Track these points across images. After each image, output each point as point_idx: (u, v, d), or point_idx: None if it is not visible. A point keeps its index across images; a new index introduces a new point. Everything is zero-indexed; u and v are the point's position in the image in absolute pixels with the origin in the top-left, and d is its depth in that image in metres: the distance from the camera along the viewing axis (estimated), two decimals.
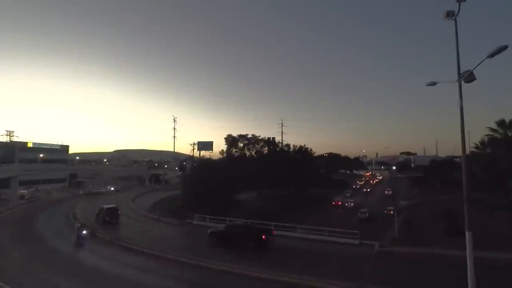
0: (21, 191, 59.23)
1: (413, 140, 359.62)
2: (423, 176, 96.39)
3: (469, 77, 10.53)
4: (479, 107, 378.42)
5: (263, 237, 20.42)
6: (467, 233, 10.80)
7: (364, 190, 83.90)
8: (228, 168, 48.54)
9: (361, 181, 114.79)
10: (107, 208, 32.35)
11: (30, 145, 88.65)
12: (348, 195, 69.46)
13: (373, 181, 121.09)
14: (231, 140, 67.80)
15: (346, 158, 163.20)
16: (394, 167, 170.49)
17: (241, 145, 68.10)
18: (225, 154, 68.11)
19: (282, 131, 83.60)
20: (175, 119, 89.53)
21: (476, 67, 10.29)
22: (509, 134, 31.32)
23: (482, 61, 9.86)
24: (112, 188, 73.58)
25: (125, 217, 36.04)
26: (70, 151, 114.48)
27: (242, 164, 57.72)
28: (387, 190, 76.30)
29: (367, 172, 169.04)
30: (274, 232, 22.53)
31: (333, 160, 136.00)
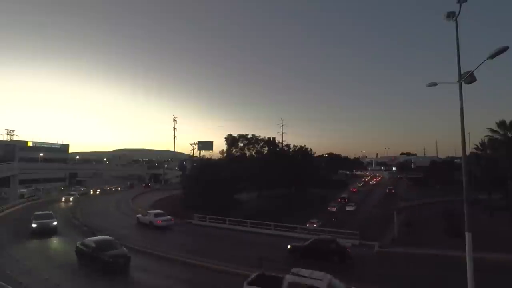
0: (21, 190, 59.27)
1: (413, 140, 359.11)
2: (423, 177, 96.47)
3: (470, 78, 10.52)
4: (480, 108, 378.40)
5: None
6: (466, 234, 10.79)
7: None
8: (228, 168, 48.55)
9: (362, 182, 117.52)
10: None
11: (30, 144, 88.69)
12: (360, 184, 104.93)
13: (373, 180, 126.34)
14: (231, 140, 67.84)
15: (346, 159, 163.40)
16: (394, 168, 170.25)
17: (241, 145, 68.17)
18: (225, 154, 68.17)
19: (282, 131, 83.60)
20: (175, 119, 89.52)
21: (476, 68, 10.27)
22: (509, 135, 31.31)
23: (483, 62, 9.84)
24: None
25: (125, 217, 36.08)
26: (70, 150, 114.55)
27: (242, 164, 57.74)
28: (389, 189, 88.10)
29: (367, 173, 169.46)
30: None
31: (333, 160, 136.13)
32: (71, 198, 50.96)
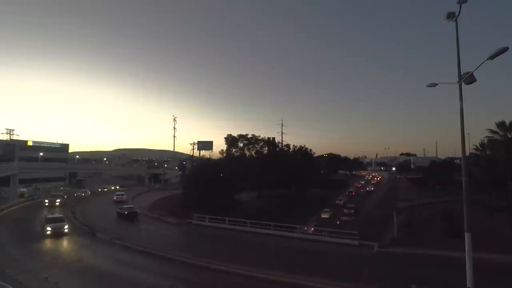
0: (21, 189, 59.22)
1: (413, 141, 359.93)
2: (422, 177, 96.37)
3: (470, 78, 10.53)
4: (479, 109, 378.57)
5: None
6: (466, 235, 10.80)
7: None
8: (228, 168, 48.52)
9: (365, 180, 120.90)
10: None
11: (30, 143, 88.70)
12: (363, 182, 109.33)
13: (375, 179, 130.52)
14: (231, 140, 67.73)
15: (346, 159, 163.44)
16: (393, 168, 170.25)
17: (241, 145, 68.03)
18: (225, 154, 68.06)
19: (282, 131, 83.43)
20: (175, 119, 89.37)
21: (476, 68, 10.29)
22: (509, 136, 31.27)
23: (483, 62, 9.86)
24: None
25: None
26: (70, 150, 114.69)
27: (242, 164, 57.67)
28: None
29: (365, 173, 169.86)
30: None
31: (333, 160, 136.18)
32: (66, 228, 24.64)
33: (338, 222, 48.23)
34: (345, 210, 50.19)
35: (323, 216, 48.46)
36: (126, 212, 33.40)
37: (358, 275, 15.43)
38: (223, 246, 22.54)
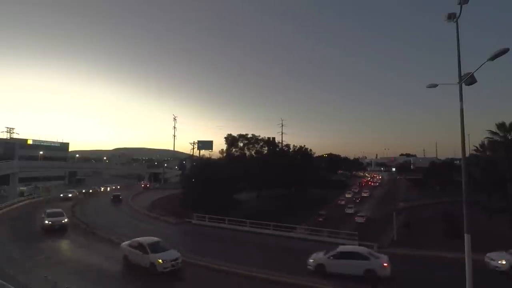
0: (21, 188, 59.24)
1: (413, 141, 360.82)
2: (422, 178, 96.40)
3: (470, 79, 10.51)
4: (480, 110, 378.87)
5: None
6: (465, 236, 10.79)
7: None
8: (227, 168, 48.51)
9: (368, 179, 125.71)
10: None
11: (30, 142, 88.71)
12: (368, 178, 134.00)
13: (377, 178, 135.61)
14: (231, 140, 67.75)
15: (346, 159, 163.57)
16: (393, 169, 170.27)
17: (241, 144, 68.07)
18: (225, 154, 68.09)
19: (282, 131, 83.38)
20: (175, 118, 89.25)
21: (477, 69, 10.27)
22: (509, 137, 31.32)
23: (483, 63, 9.84)
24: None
25: (125, 215, 36.08)
26: (70, 149, 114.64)
27: (241, 164, 57.69)
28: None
29: (365, 173, 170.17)
30: None
31: (333, 161, 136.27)
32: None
33: (371, 183, 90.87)
34: (371, 183, 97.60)
35: (347, 195, 71.96)
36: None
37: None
38: (223, 246, 22.53)
